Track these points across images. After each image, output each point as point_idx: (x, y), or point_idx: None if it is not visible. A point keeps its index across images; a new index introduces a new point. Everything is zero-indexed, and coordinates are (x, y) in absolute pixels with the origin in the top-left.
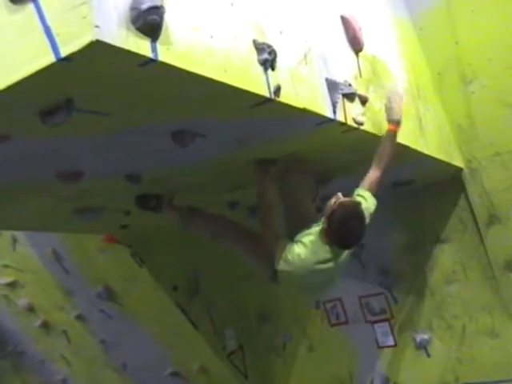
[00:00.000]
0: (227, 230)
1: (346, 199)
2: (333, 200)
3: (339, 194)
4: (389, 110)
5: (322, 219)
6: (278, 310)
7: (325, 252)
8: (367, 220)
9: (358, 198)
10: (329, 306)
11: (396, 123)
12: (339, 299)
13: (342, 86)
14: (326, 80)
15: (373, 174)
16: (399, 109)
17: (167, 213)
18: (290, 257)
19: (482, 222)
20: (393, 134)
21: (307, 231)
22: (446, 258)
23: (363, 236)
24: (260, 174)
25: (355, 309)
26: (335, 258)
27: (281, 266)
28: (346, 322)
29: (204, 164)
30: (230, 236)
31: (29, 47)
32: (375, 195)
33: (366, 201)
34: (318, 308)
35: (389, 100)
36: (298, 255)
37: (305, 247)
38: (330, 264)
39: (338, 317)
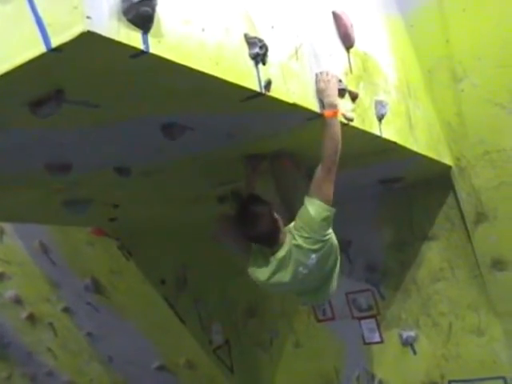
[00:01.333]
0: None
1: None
2: None
3: None
4: (321, 92)
5: None
6: (265, 305)
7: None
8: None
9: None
10: None
11: (330, 107)
12: None
13: None
14: (317, 75)
15: (317, 176)
16: (332, 90)
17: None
18: (249, 271)
19: (469, 221)
20: (329, 121)
21: None
22: (433, 255)
23: (256, 221)
24: (249, 169)
25: (342, 305)
26: (278, 267)
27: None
28: (333, 318)
29: (193, 158)
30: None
31: (19, 37)
32: (327, 198)
33: (308, 211)
34: (305, 304)
35: (319, 81)
36: (252, 273)
37: (253, 262)
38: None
39: (324, 313)
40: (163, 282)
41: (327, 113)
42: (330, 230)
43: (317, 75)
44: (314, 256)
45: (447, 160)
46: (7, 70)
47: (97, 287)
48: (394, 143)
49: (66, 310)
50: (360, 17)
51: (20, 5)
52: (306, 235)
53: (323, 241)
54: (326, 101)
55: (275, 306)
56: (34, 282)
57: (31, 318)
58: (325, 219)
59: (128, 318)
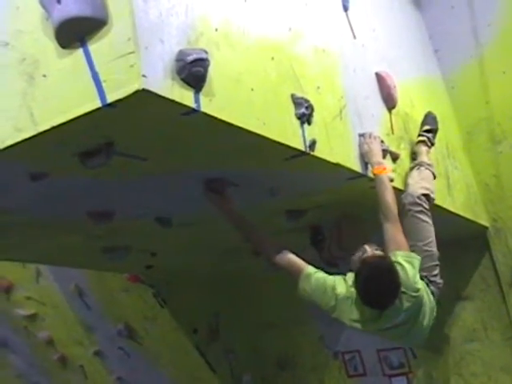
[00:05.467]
0: None
1: (370, 255)
2: (358, 255)
3: (366, 247)
4: (366, 154)
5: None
6: (296, 358)
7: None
8: (409, 275)
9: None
10: (347, 357)
11: (378, 165)
12: (358, 351)
13: None
14: (360, 136)
15: (388, 233)
16: (377, 150)
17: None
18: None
19: (505, 282)
20: (380, 178)
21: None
22: (467, 315)
23: (394, 293)
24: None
25: (373, 361)
26: (373, 319)
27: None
28: (364, 375)
29: None
30: None
31: (76, 91)
32: (406, 248)
33: (402, 266)
34: (337, 359)
35: (363, 144)
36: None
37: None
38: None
39: (355, 368)
40: (195, 330)
41: (376, 170)
42: (420, 285)
43: (360, 138)
44: (403, 314)
45: (483, 221)
46: (62, 121)
47: (130, 333)
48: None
49: (97, 353)
50: (402, 77)
51: (78, 60)
52: (402, 289)
53: (413, 296)
54: (372, 160)
55: (306, 359)
56: (68, 325)
57: (62, 359)
58: (416, 267)
59: (159, 364)
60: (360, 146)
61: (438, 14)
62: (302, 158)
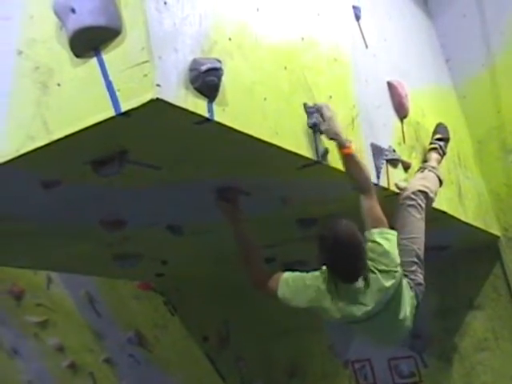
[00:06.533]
0: None
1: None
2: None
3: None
4: (327, 131)
5: None
6: (306, 366)
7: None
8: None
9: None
10: (357, 366)
11: (344, 144)
12: (368, 360)
13: (386, 152)
14: (372, 145)
15: (365, 208)
16: (339, 127)
17: None
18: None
19: None
20: (354, 157)
21: None
22: (477, 324)
23: (358, 263)
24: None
25: (384, 371)
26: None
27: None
28: None
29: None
30: None
31: (90, 100)
32: (383, 223)
33: (379, 243)
34: (347, 367)
35: (318, 116)
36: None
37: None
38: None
39: (366, 378)
40: (206, 338)
41: (348, 149)
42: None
43: (310, 109)
44: (388, 293)
45: (495, 230)
46: (76, 130)
47: (140, 340)
48: (444, 213)
49: (107, 360)
50: (413, 87)
51: (92, 69)
52: (383, 267)
53: (396, 271)
54: (338, 138)
55: (316, 367)
56: (78, 332)
57: (72, 366)
58: (393, 242)
59: (169, 372)
60: (311, 117)
61: (450, 23)
62: (315, 167)
